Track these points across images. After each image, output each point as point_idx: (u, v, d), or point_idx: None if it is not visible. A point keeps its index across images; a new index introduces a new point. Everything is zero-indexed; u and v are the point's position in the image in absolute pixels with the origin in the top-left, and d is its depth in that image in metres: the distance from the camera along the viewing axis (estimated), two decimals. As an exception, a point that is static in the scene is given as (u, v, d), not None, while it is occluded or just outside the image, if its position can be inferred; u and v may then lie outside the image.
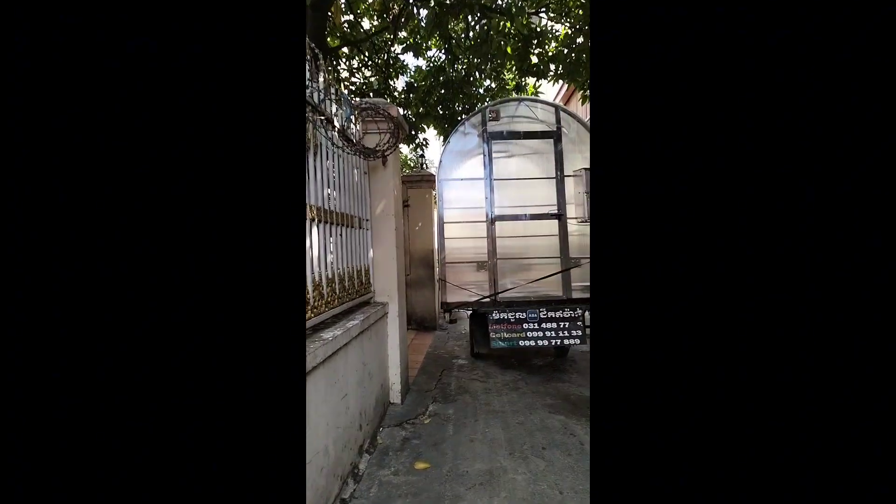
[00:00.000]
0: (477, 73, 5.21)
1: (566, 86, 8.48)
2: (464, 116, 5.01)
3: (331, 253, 1.88)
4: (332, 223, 1.91)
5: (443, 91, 5.12)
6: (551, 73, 4.84)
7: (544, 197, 3.54)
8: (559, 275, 3.38)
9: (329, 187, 1.91)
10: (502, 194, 3.53)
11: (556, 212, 3.47)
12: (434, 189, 5.15)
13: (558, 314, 3.20)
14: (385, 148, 2.48)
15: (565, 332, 3.16)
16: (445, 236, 3.53)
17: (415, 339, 4.49)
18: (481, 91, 5.46)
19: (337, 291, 1.95)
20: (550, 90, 8.57)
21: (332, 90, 1.93)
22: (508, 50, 4.40)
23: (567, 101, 9.12)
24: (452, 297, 3.46)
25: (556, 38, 4.90)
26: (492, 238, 3.46)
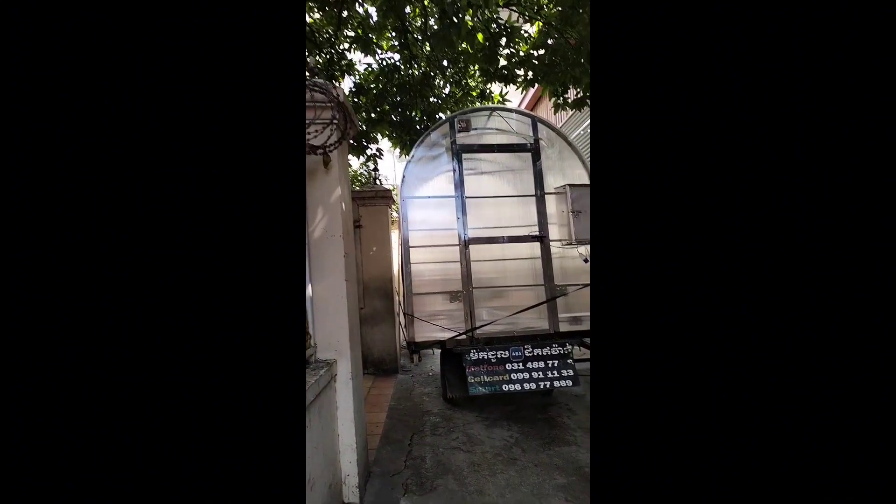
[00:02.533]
0: (438, 75, 5.36)
1: (531, 93, 9.01)
2: (428, 125, 5.11)
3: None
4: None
5: (398, 95, 5.20)
6: (520, 78, 5.14)
7: (523, 217, 3.69)
8: (544, 305, 3.49)
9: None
10: (476, 214, 3.64)
11: (538, 233, 3.62)
12: (391, 207, 5.15)
13: (545, 351, 3.29)
14: (328, 143, 2.05)
15: (554, 371, 3.24)
16: (412, 262, 3.51)
17: (373, 388, 4.29)
18: (443, 95, 5.63)
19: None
20: (514, 97, 9.03)
21: None
22: (479, 38, 4.58)
23: (533, 108, 9.70)
24: (421, 334, 3.43)
25: (526, 40, 5.22)
26: (466, 263, 3.51)
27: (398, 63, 5.24)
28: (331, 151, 2.16)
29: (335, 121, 2.11)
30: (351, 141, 5.30)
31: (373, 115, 5.25)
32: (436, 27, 4.61)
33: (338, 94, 2.12)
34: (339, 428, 2.27)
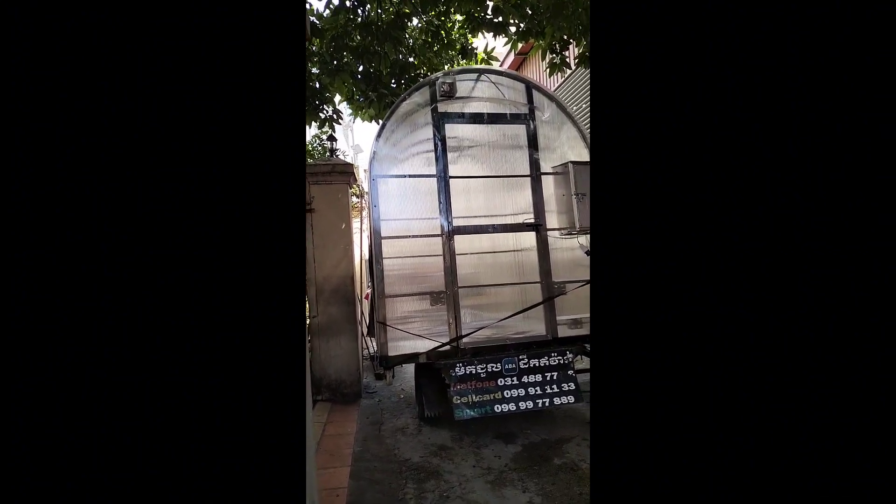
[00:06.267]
0: (414, 14, 5.47)
1: (514, 56, 9.15)
2: (399, 83, 5.26)
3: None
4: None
5: (361, 37, 5.30)
6: (513, 31, 5.37)
7: (516, 202, 4.00)
8: (540, 307, 3.79)
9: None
10: (461, 198, 3.91)
11: (533, 221, 3.92)
12: (352, 186, 5.31)
13: (543, 361, 3.61)
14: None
15: (554, 386, 3.57)
16: (384, 257, 3.73)
17: (329, 423, 4.07)
18: (417, 47, 5.79)
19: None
20: (500, 51, 9.33)
21: None
22: None
23: (518, 68, 10.05)
24: (395, 347, 3.69)
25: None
26: (450, 257, 3.76)
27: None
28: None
29: None
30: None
31: (331, 65, 5.35)
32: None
33: None
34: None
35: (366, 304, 5.41)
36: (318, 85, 5.39)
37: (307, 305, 5.01)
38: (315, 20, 5.31)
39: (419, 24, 5.89)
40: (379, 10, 5.33)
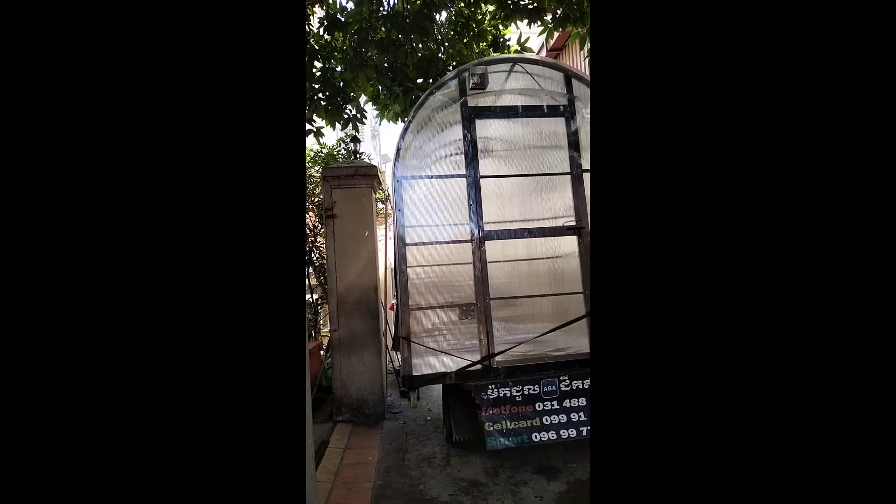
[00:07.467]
0: (440, 9, 5.35)
1: (550, 40, 8.94)
2: (425, 77, 5.10)
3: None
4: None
5: (386, 29, 5.18)
6: (549, 19, 5.14)
7: (555, 203, 3.74)
8: (583, 320, 3.51)
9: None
10: (494, 201, 3.68)
11: (574, 224, 3.64)
12: (376, 190, 5.15)
13: (587, 383, 3.31)
14: None
15: (600, 411, 3.24)
16: (408, 266, 3.53)
17: (349, 449, 3.85)
18: (446, 40, 5.63)
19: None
20: (533, 44, 9.09)
21: None
22: None
23: (556, 57, 9.80)
24: (420, 366, 3.47)
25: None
26: (481, 266, 3.53)
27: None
28: None
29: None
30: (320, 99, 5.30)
31: (353, 58, 5.23)
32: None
33: None
34: None
35: (391, 316, 5.23)
36: (341, 84, 5.27)
37: (328, 319, 4.88)
38: (339, 15, 5.23)
39: (448, 17, 5.72)
40: (405, 3, 5.21)
